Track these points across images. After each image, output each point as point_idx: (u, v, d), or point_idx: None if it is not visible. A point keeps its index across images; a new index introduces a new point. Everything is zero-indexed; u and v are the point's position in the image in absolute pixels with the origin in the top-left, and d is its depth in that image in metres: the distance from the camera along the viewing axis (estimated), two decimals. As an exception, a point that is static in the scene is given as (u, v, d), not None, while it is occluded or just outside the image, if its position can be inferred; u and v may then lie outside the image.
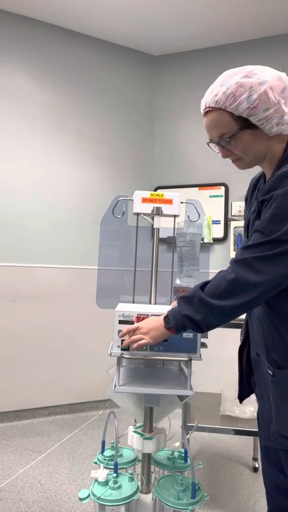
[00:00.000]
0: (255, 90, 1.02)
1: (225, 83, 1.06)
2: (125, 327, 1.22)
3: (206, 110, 1.12)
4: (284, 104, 1.03)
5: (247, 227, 1.26)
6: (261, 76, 1.04)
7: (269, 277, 0.98)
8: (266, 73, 1.05)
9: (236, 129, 1.06)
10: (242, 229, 3.12)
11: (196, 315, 1.03)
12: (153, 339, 1.15)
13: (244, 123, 1.05)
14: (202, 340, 1.28)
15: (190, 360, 1.23)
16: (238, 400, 1.32)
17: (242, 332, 1.31)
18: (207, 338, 1.38)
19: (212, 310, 1.02)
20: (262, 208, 1.06)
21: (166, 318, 1.12)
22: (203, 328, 1.06)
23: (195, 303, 1.04)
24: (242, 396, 1.33)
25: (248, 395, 1.32)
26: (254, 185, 1.30)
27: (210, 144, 1.18)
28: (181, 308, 1.07)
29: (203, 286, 1.05)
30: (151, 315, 1.23)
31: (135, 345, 1.16)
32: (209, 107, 1.10)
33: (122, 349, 1.22)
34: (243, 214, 3.16)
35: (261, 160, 1.13)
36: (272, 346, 1.09)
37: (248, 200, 1.33)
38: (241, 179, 3.29)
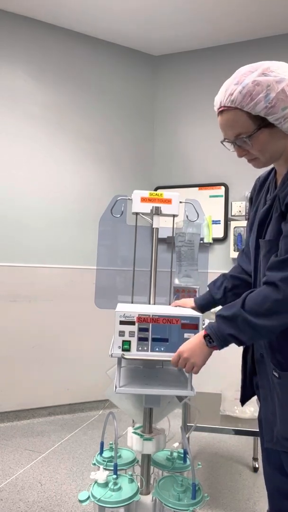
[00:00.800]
0: (272, 89, 0.98)
1: (241, 82, 1.01)
2: (126, 328, 1.21)
3: (221, 109, 1.07)
4: (272, 96, 0.99)
5: (250, 227, 1.26)
6: (278, 73, 1.01)
7: None
8: (283, 69, 1.03)
9: (254, 129, 1.03)
10: (243, 229, 3.12)
11: (241, 335, 1.03)
12: (201, 361, 1.13)
13: (262, 122, 1.02)
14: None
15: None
16: (238, 401, 1.33)
17: None
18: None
19: (259, 330, 1.01)
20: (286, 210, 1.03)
21: (208, 337, 1.09)
22: (248, 344, 1.08)
23: (238, 323, 1.02)
24: (244, 398, 1.33)
25: (250, 397, 1.32)
26: (261, 185, 1.29)
27: (225, 143, 1.13)
28: (223, 328, 1.05)
29: (243, 303, 1.03)
30: (152, 315, 1.23)
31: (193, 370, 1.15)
32: (224, 106, 1.05)
33: (123, 349, 1.21)
34: (243, 214, 3.17)
35: (277, 158, 1.11)
36: (277, 347, 1.09)
37: (253, 200, 1.31)
38: (241, 179, 3.30)
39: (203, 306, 1.46)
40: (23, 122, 3.09)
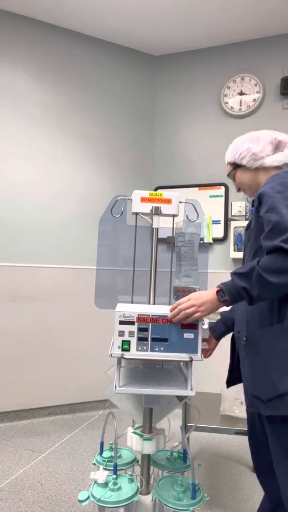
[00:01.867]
0: (235, 145, 1.53)
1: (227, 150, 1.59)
2: (125, 327, 1.22)
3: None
4: (255, 147, 1.46)
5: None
6: (242, 138, 1.53)
7: None
8: (244, 137, 1.53)
9: (231, 170, 1.56)
10: (243, 229, 3.12)
11: (253, 290, 1.15)
12: (207, 311, 1.23)
13: (235, 165, 1.53)
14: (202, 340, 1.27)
15: (191, 360, 1.22)
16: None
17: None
18: (207, 337, 1.38)
19: (269, 287, 1.14)
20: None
21: (220, 291, 1.21)
22: (255, 301, 1.18)
23: (253, 278, 1.15)
24: (230, 381, 1.51)
25: (237, 381, 1.49)
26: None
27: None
28: (237, 282, 1.18)
29: (258, 262, 1.16)
30: (152, 315, 1.23)
31: (189, 319, 1.22)
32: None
33: (122, 349, 1.21)
34: (243, 214, 3.18)
35: (257, 188, 1.47)
36: (251, 321, 1.30)
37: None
38: (241, 179, 3.30)
39: (220, 335, 1.62)
40: (23, 122, 3.09)
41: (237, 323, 1.41)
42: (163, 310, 1.28)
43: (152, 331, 1.22)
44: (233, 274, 1.21)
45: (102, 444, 1.52)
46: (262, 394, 1.21)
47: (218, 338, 1.60)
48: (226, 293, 1.19)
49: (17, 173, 3.06)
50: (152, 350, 1.22)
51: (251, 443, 1.49)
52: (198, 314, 1.22)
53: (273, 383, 1.17)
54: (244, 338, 1.29)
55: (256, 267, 1.14)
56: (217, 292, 1.22)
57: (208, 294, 1.23)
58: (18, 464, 2.39)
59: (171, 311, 1.25)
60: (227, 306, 1.23)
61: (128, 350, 1.21)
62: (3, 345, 2.97)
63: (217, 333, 1.60)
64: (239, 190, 1.57)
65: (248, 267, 1.17)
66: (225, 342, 2.16)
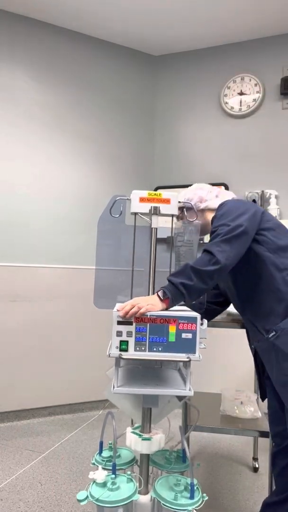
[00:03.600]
0: (186, 194, 1.80)
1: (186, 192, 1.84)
2: (123, 328, 1.22)
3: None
4: (200, 194, 1.77)
5: None
6: (191, 190, 1.83)
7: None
8: (191, 189, 1.84)
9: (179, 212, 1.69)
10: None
11: (190, 281, 1.30)
12: (150, 306, 1.27)
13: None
14: (200, 340, 1.27)
15: (189, 360, 1.22)
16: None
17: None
18: (205, 338, 1.38)
19: (202, 275, 1.31)
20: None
21: (161, 291, 1.31)
22: (193, 295, 1.33)
23: (186, 272, 1.31)
24: (262, 394, 1.74)
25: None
26: None
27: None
28: (175, 280, 1.31)
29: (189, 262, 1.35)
30: (150, 315, 1.23)
31: (138, 313, 1.24)
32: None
33: (120, 349, 1.22)
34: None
35: (207, 226, 1.75)
36: (267, 318, 1.49)
37: None
38: (241, 179, 3.30)
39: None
40: (22, 122, 3.09)
41: (252, 334, 1.65)
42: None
43: (150, 331, 1.22)
44: (168, 277, 1.34)
45: (101, 443, 1.52)
46: None
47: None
48: (167, 292, 1.29)
49: (17, 173, 3.06)
50: (150, 350, 1.22)
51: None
52: (144, 309, 1.24)
53: None
54: (273, 332, 1.46)
55: (188, 264, 1.33)
56: (157, 293, 1.31)
57: (151, 296, 1.33)
58: (18, 464, 2.40)
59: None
60: (168, 306, 1.29)
61: (126, 350, 1.21)
62: (3, 345, 2.97)
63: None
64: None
65: (180, 267, 1.35)
66: (225, 342, 2.17)
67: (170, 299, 1.29)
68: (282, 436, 1.63)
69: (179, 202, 1.59)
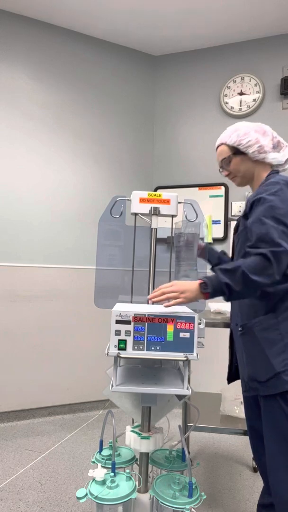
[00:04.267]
0: (243, 131, 1.50)
1: (227, 130, 1.56)
2: (122, 327, 1.22)
3: (216, 147, 1.61)
4: (263, 140, 1.48)
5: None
6: (249, 125, 1.54)
7: None
8: (250, 126, 1.53)
9: (230, 154, 1.53)
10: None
11: (235, 286, 1.23)
12: (187, 299, 1.27)
13: (236, 151, 1.52)
14: (199, 339, 1.28)
15: (187, 359, 1.23)
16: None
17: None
18: (203, 337, 1.39)
19: (250, 285, 1.23)
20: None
21: (203, 284, 1.26)
22: (234, 298, 1.32)
23: (236, 275, 1.23)
24: (231, 378, 1.65)
25: (236, 378, 1.62)
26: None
27: (221, 172, 1.62)
28: (222, 277, 1.24)
29: (242, 262, 1.25)
30: (148, 314, 1.23)
31: (171, 303, 1.27)
32: (217, 145, 1.60)
33: (119, 348, 1.22)
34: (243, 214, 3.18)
35: (250, 180, 1.56)
36: (245, 312, 1.44)
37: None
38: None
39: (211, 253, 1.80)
40: (22, 122, 3.10)
41: (233, 316, 1.56)
42: (160, 309, 1.28)
43: (148, 330, 1.23)
44: (218, 269, 1.27)
45: (101, 442, 1.52)
46: (260, 376, 1.34)
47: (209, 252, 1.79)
48: (209, 286, 1.25)
49: (17, 174, 3.07)
50: (148, 349, 1.22)
51: (250, 430, 1.60)
52: (179, 299, 1.25)
53: (269, 365, 1.31)
54: (240, 328, 1.43)
55: (241, 266, 1.23)
56: (200, 283, 1.26)
57: (191, 284, 1.28)
58: (18, 464, 2.40)
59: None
60: (207, 298, 1.28)
61: (124, 349, 1.22)
62: (3, 345, 2.98)
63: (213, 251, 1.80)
64: (228, 175, 1.59)
65: (233, 265, 1.25)
66: (225, 342, 2.17)
67: (210, 294, 1.26)
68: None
69: (225, 145, 1.51)
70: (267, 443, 1.35)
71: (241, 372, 1.46)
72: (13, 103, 3.07)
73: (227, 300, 1.30)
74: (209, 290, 1.25)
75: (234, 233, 1.58)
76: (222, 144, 1.56)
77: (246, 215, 1.42)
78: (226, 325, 1.95)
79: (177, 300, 1.26)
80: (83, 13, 3.07)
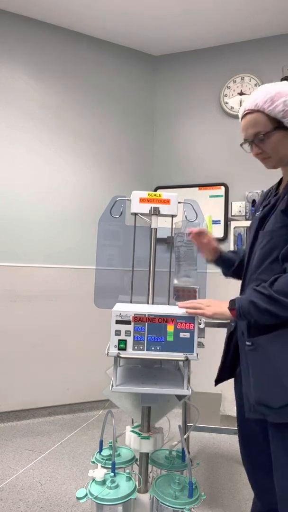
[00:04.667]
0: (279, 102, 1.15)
1: (265, 90, 1.18)
2: (122, 327, 1.22)
3: (245, 113, 1.23)
4: None
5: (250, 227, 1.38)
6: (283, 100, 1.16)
7: None
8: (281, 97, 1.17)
9: (270, 128, 1.18)
10: (243, 229, 3.12)
11: (260, 303, 1.11)
12: (211, 312, 1.21)
13: (278, 125, 1.17)
14: (199, 339, 1.28)
15: (187, 359, 1.23)
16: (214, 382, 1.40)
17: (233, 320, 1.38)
18: (203, 337, 1.38)
19: (277, 305, 1.10)
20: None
21: (232, 301, 1.19)
22: (260, 318, 1.14)
23: (265, 295, 1.11)
24: (220, 379, 1.42)
25: (226, 378, 1.42)
26: (267, 193, 1.41)
27: (243, 146, 1.29)
28: (249, 295, 1.15)
29: (272, 282, 1.13)
30: (148, 315, 1.23)
31: (191, 311, 1.23)
32: (248, 109, 1.21)
33: (119, 348, 1.22)
34: (243, 214, 3.17)
35: (284, 161, 1.26)
36: (253, 323, 1.21)
37: (258, 206, 1.41)
38: (241, 179, 3.31)
39: (222, 257, 1.56)
40: (22, 122, 3.10)
41: (240, 324, 1.31)
42: (160, 310, 1.28)
43: (149, 330, 1.22)
44: (251, 288, 1.18)
45: (101, 442, 1.52)
46: (272, 401, 1.13)
47: (220, 256, 1.56)
48: (236, 303, 1.17)
49: (16, 174, 3.07)
50: (148, 349, 1.22)
51: (245, 448, 1.42)
52: (200, 311, 1.22)
53: (285, 390, 1.11)
54: (250, 343, 1.20)
55: (269, 288, 1.12)
56: (230, 300, 1.21)
57: (221, 301, 1.23)
58: (18, 464, 2.40)
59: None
60: (235, 317, 1.18)
61: (124, 349, 1.21)
62: (3, 345, 2.98)
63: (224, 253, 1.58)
64: (258, 154, 1.27)
65: (262, 286, 1.14)
66: (224, 339, 2.17)
67: (236, 310, 1.17)
68: None
69: (266, 115, 1.17)
70: (281, 470, 1.19)
71: (246, 391, 1.23)
72: (13, 103, 3.07)
73: (254, 323, 1.18)
74: (235, 306, 1.17)
75: (255, 229, 1.32)
76: (257, 111, 1.19)
77: (287, 209, 1.18)
78: (225, 325, 1.94)
79: (198, 311, 1.22)
80: (83, 13, 3.07)
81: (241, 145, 1.29)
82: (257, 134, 1.20)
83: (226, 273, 1.58)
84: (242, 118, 1.25)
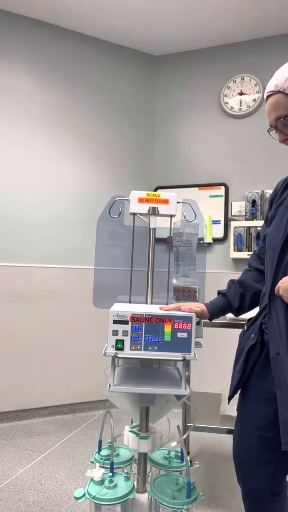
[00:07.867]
0: None
1: (284, 70, 1.12)
2: (119, 327, 1.22)
3: (267, 95, 1.16)
4: None
5: (270, 224, 1.28)
6: None
7: None
8: None
9: None
10: (243, 229, 3.12)
11: None
12: None
13: None
14: (197, 339, 1.28)
15: (185, 359, 1.23)
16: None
17: (255, 332, 1.25)
18: (201, 337, 1.38)
19: None
20: None
21: None
22: None
23: None
24: (232, 396, 1.33)
25: (237, 392, 1.32)
26: (284, 186, 1.32)
27: (270, 133, 1.21)
28: None
29: None
30: (146, 315, 1.23)
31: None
32: (270, 91, 1.14)
33: (116, 348, 1.22)
34: (243, 214, 3.17)
35: None
36: None
37: (276, 198, 1.32)
38: (241, 179, 3.31)
39: (216, 313, 1.38)
40: (22, 122, 3.10)
41: (274, 341, 1.13)
42: (157, 309, 1.28)
43: (146, 330, 1.22)
44: None
45: (100, 442, 1.52)
46: None
47: (213, 315, 1.38)
48: None
49: (16, 174, 3.07)
50: (146, 349, 1.22)
51: (252, 471, 1.26)
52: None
53: None
54: None
55: None
56: None
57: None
58: (18, 464, 2.40)
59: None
60: None
61: (122, 349, 1.21)
62: (3, 345, 2.98)
63: (213, 309, 1.39)
64: (284, 141, 1.19)
65: None
66: (225, 342, 2.16)
67: None
68: None
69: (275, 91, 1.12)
70: None
71: (284, 419, 1.06)
72: (13, 103, 3.07)
73: None
74: None
75: (273, 225, 1.23)
76: (278, 92, 1.12)
77: None
78: (225, 325, 1.94)
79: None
80: (83, 13, 3.08)
81: (268, 131, 1.22)
82: (279, 118, 1.13)
83: (238, 313, 1.41)
84: (266, 102, 1.19)
